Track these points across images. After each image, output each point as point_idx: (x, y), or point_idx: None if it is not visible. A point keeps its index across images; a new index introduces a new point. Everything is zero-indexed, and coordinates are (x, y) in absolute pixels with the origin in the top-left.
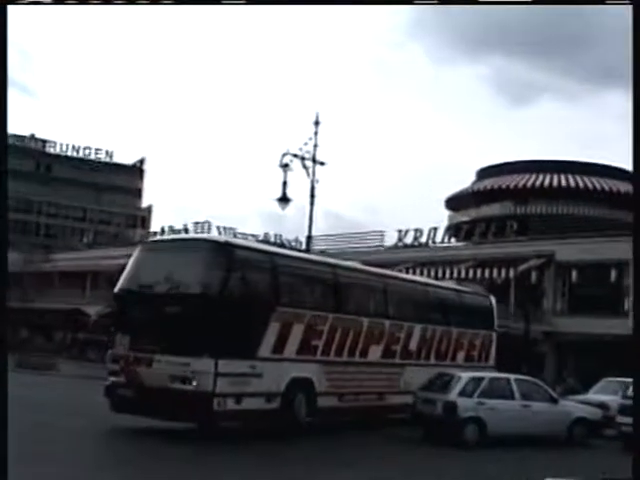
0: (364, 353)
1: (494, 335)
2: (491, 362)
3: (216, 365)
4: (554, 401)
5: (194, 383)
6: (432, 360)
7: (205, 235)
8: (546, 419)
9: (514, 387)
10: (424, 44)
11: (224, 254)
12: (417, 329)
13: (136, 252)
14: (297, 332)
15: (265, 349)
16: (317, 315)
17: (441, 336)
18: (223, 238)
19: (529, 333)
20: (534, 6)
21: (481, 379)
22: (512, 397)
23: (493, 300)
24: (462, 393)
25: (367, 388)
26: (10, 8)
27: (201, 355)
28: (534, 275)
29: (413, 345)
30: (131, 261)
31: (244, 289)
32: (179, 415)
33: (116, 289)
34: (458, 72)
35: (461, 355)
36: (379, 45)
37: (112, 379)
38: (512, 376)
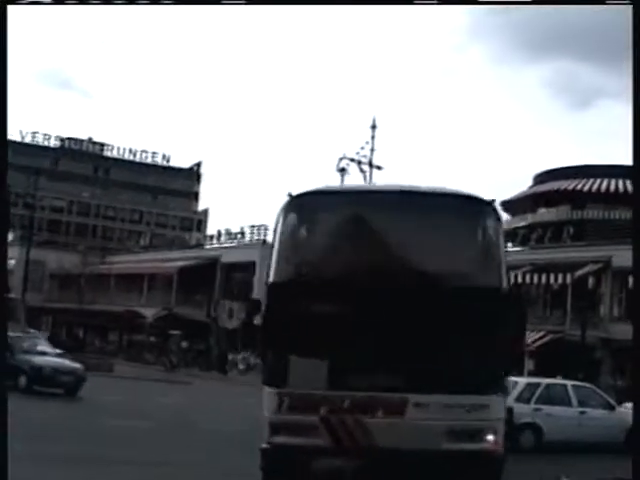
0: None
1: None
2: None
3: (504, 405)
4: (611, 408)
5: (491, 438)
6: None
7: (465, 191)
8: (603, 426)
9: (571, 393)
10: (485, 46)
11: (500, 226)
12: None
13: (302, 212)
14: None
15: None
16: None
17: None
18: (487, 197)
19: (585, 339)
20: (596, 6)
21: (538, 385)
22: (569, 403)
23: None
24: (519, 399)
25: None
26: (12, 8)
27: (495, 392)
28: (591, 281)
29: None
30: (297, 228)
31: None
32: None
33: (274, 277)
34: (518, 74)
35: None
36: (439, 47)
37: (282, 440)
38: (569, 382)
